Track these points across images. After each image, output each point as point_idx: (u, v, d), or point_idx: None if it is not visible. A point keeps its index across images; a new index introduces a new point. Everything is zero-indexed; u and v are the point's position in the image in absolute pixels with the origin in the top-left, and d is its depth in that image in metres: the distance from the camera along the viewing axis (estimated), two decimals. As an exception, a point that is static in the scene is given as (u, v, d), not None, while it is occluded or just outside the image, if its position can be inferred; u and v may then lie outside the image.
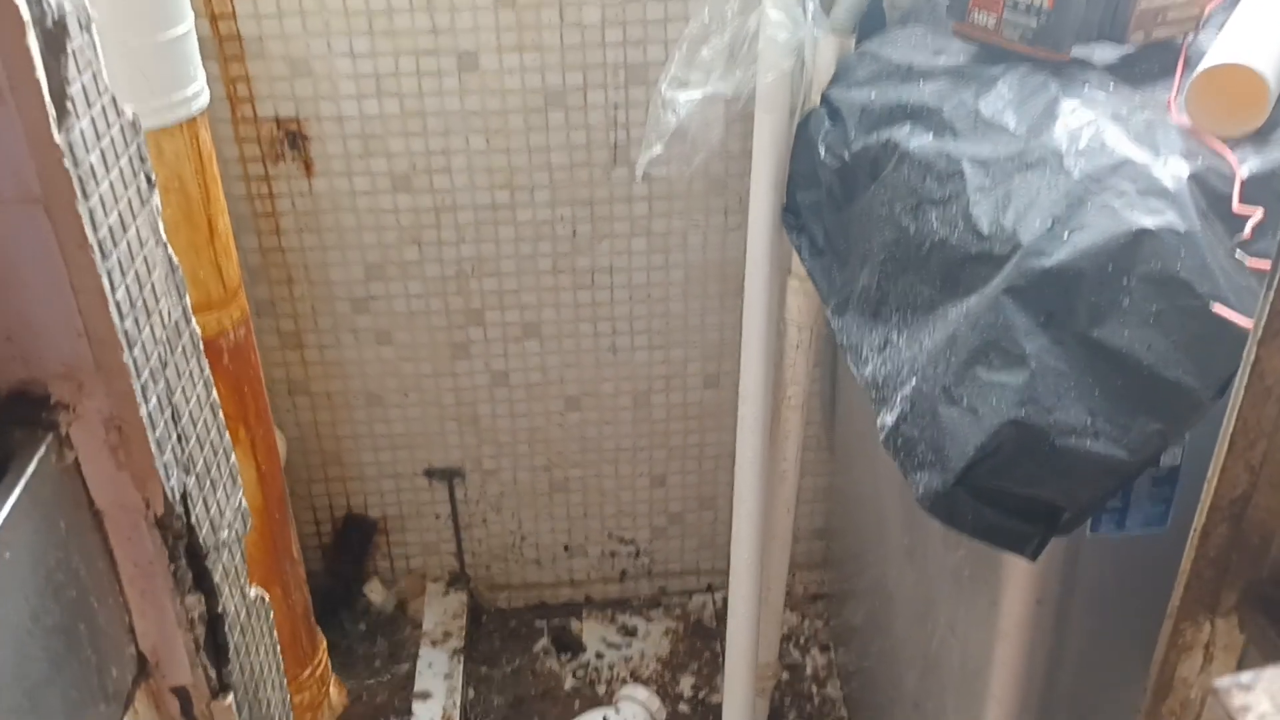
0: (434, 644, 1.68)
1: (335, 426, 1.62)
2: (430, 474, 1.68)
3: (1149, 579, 1.03)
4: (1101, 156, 0.89)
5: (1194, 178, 0.86)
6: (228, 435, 0.74)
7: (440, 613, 1.73)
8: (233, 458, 0.74)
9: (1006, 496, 0.89)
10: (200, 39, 1.29)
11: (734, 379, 1.62)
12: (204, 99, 0.97)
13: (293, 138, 1.39)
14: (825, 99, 1.24)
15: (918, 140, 1.04)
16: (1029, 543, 0.90)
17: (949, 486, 0.88)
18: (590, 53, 1.37)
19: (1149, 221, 0.83)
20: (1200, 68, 0.92)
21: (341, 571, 1.72)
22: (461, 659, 1.67)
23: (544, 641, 1.78)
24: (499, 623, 1.81)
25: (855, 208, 1.16)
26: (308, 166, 1.41)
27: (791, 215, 1.32)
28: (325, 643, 1.43)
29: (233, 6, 1.30)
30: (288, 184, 1.42)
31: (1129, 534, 1.01)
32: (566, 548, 1.78)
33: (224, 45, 1.32)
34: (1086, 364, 0.85)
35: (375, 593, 1.74)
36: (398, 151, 1.41)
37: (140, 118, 0.87)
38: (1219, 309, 0.80)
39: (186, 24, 0.93)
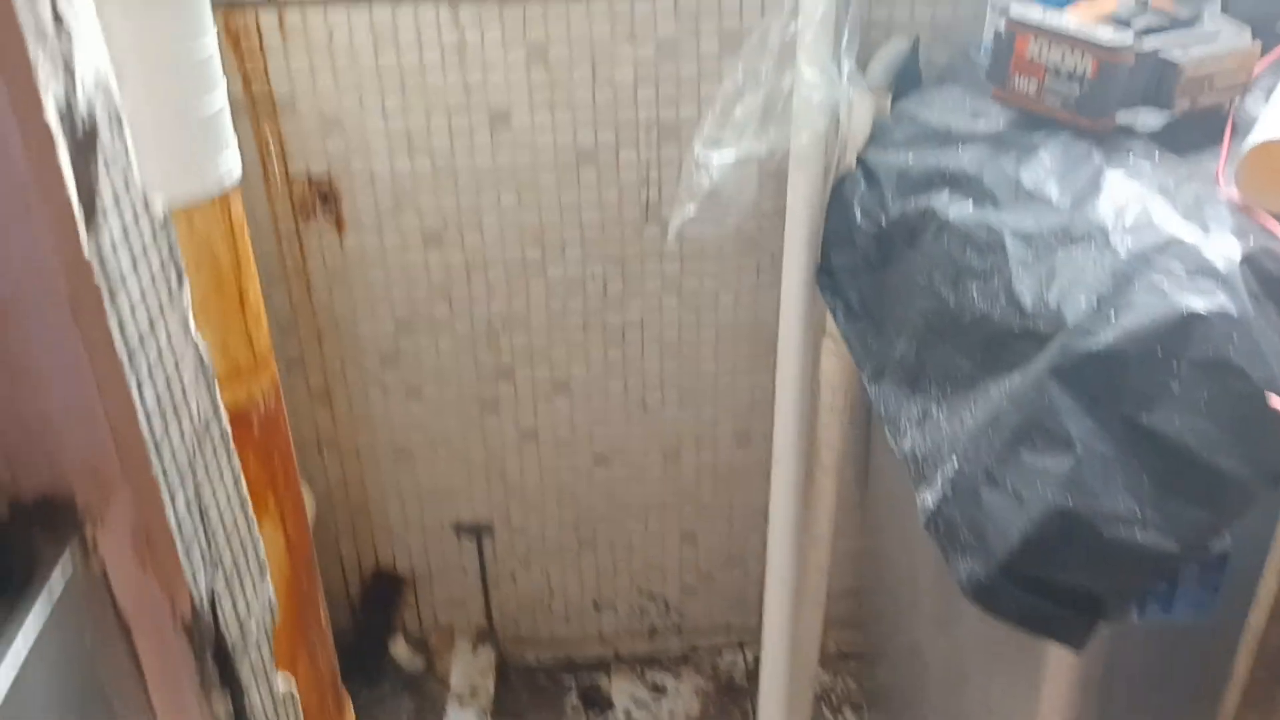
0: (461, 701, 1.66)
1: (364, 482, 1.61)
2: (459, 529, 1.66)
3: (1195, 663, 1.00)
4: (1149, 234, 0.87)
5: (1246, 259, 0.83)
6: (256, 527, 0.72)
7: (468, 669, 1.71)
8: (261, 550, 0.73)
9: (1052, 585, 0.86)
10: (232, 98, 1.29)
11: (765, 438, 1.60)
12: (236, 173, 0.96)
13: (324, 194, 1.39)
14: (861, 161, 1.22)
15: (957, 209, 1.02)
16: (1076, 632, 0.87)
17: (993, 575, 0.86)
18: (623, 110, 1.36)
19: (1199, 304, 0.81)
20: (1251, 142, 0.89)
21: (369, 628, 1.71)
22: (489, 716, 1.64)
23: (572, 699, 1.75)
24: (527, 679, 1.78)
25: (892, 273, 1.14)
26: (339, 223, 1.41)
27: (826, 276, 1.30)
28: (351, 705, 1.41)
29: (265, 66, 1.30)
30: (319, 240, 1.42)
31: (1176, 618, 0.97)
32: (595, 604, 1.76)
33: (256, 104, 1.32)
34: (1134, 450, 0.82)
35: (402, 649, 1.72)
36: (429, 208, 1.40)
37: (172, 192, 0.87)
38: (1275, 400, 0.78)
39: (220, 99, 0.93)
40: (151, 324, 0.60)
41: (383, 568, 1.69)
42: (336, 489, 1.61)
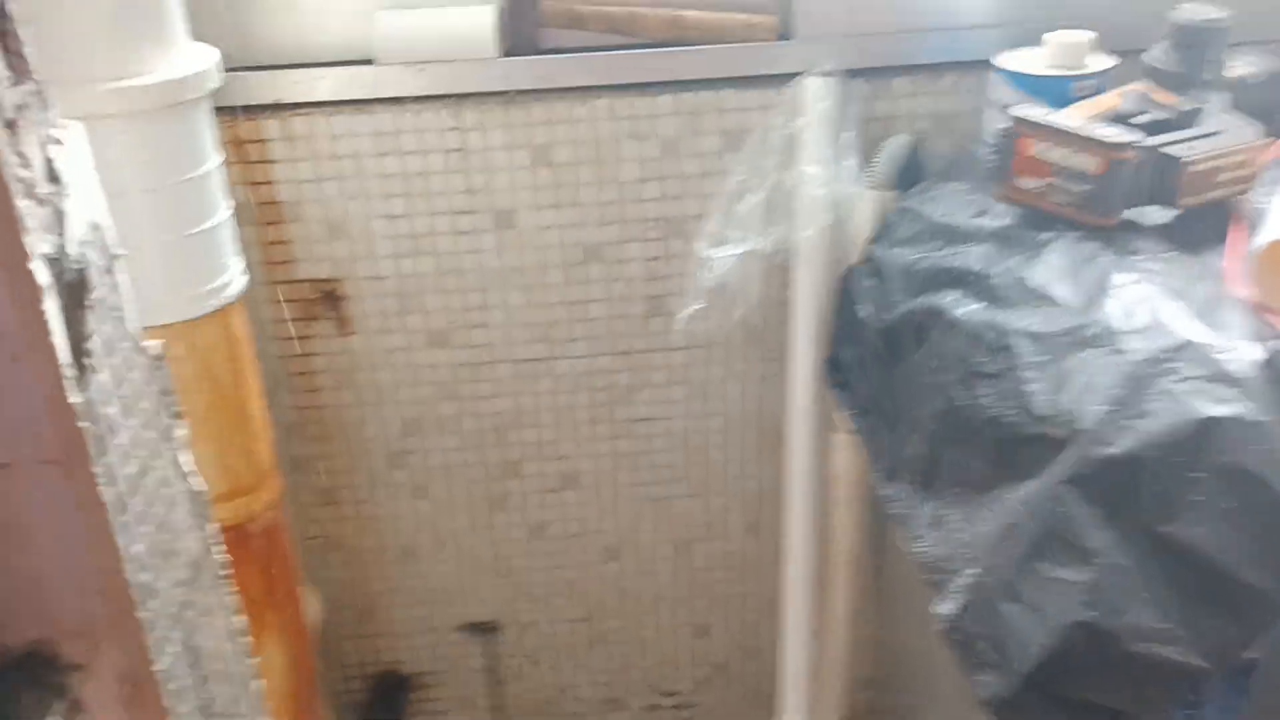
0: (471, 807, 1.62)
1: (370, 582, 1.58)
2: (467, 628, 1.63)
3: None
4: (1161, 336, 0.86)
5: (1262, 361, 0.82)
6: (251, 663, 0.70)
7: (477, 771, 1.67)
8: (256, 685, 0.71)
9: (1075, 701, 0.83)
10: (237, 204, 1.30)
11: (776, 527, 1.57)
12: (236, 288, 0.96)
13: (330, 297, 1.39)
14: (867, 257, 1.22)
15: (965, 308, 1.01)
16: (1103, 751, 0.84)
17: (1014, 690, 0.83)
18: (627, 208, 1.36)
19: (1216, 410, 0.79)
20: (1263, 240, 0.88)
21: (376, 730, 1.67)
22: (499, 822, 1.60)
23: (585, 800, 1.71)
24: (538, 780, 1.74)
25: (901, 370, 1.13)
26: (345, 325, 1.41)
27: (834, 371, 1.29)
28: (358, 814, 1.38)
29: (270, 173, 1.31)
30: (325, 342, 1.42)
31: (1207, 727, 0.94)
32: (607, 701, 1.72)
33: (261, 211, 1.32)
34: (1156, 561, 0.80)
35: (410, 752, 1.68)
36: (435, 309, 1.40)
37: (172, 311, 0.86)
38: (1298, 511, 0.76)
39: (221, 219, 0.93)
40: (143, 470, 0.58)
41: (390, 668, 1.66)
42: (343, 590, 1.58)
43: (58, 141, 0.54)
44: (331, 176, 1.31)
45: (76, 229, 0.54)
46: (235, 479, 0.99)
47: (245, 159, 1.30)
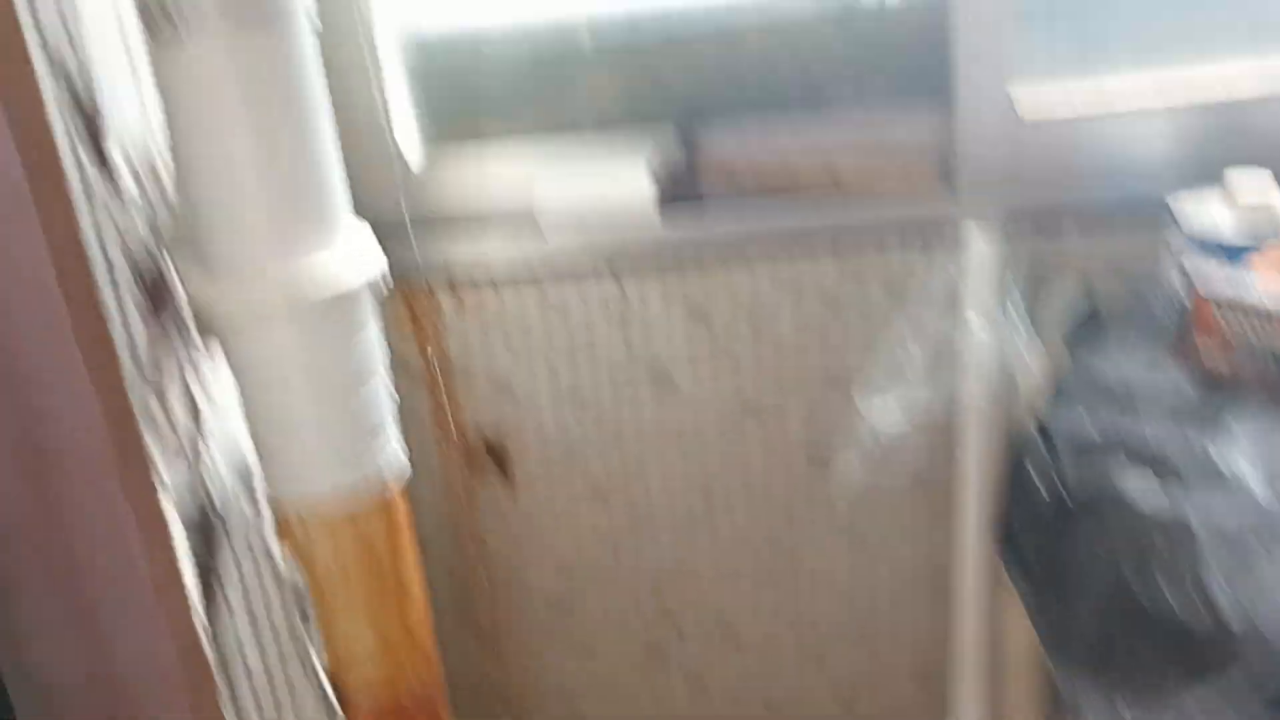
0: None
1: (532, 732, 1.58)
2: (629, 781, 1.60)
3: None
4: (1362, 532, 0.77)
5: None
6: None
7: None
8: None
9: None
10: (410, 365, 1.36)
11: (944, 682, 1.49)
12: (398, 474, 0.99)
13: (495, 452, 1.42)
14: (1037, 417, 1.16)
15: (1141, 485, 0.94)
16: None
17: None
18: (785, 362, 1.35)
19: None
20: None
21: None
22: None
23: None
24: None
25: (1071, 542, 1.05)
26: (509, 479, 1.43)
27: (1003, 535, 1.22)
28: None
29: (442, 338, 1.36)
30: (490, 496, 1.45)
31: None
32: None
33: (431, 369, 1.38)
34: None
35: None
36: (595, 465, 1.41)
37: (333, 496, 0.89)
38: None
39: (381, 407, 0.96)
40: (270, 678, 0.60)
41: (551, 820, 1.64)
42: (506, 738, 1.59)
43: (196, 367, 0.58)
44: (499, 341, 1.36)
45: (216, 466, 0.57)
46: (395, 655, 1.00)
47: (418, 325, 1.36)
